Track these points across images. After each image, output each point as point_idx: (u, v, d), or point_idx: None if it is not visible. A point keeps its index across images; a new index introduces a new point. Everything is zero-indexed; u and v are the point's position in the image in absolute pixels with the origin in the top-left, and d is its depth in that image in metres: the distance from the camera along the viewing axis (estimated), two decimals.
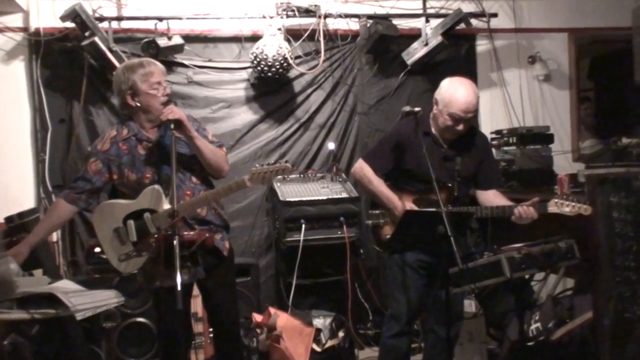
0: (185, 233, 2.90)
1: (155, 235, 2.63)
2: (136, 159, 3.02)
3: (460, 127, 3.31)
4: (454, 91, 3.30)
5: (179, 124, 2.90)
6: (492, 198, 3.45)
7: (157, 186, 2.94)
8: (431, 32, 4.94)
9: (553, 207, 3.20)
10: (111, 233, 3.04)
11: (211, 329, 3.50)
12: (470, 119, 3.35)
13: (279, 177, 4.63)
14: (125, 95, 3.03)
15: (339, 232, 4.37)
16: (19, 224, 3.83)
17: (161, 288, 2.87)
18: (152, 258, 2.84)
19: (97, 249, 4.25)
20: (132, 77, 3.00)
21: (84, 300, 2.98)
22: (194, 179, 3.07)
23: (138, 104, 3.02)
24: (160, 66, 3.06)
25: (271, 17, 4.75)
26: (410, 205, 3.34)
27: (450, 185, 3.36)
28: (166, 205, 2.91)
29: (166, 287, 2.78)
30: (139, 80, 2.99)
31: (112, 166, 3.04)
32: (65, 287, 3.16)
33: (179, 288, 2.46)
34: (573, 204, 3.15)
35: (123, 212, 3.00)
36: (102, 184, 3.07)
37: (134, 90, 3.00)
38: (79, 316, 2.93)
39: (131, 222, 2.98)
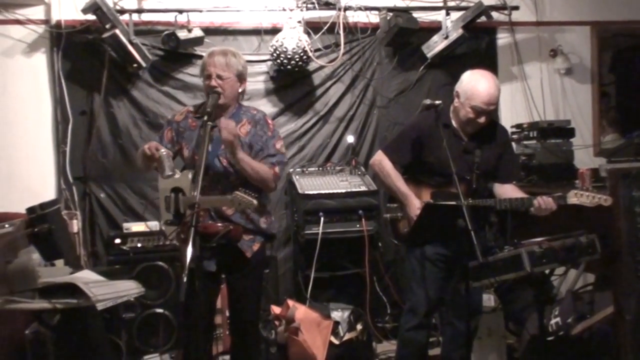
0: (211, 223, 2.97)
1: (186, 222, 2.69)
2: (194, 137, 3.14)
3: (482, 119, 3.30)
4: (475, 83, 3.28)
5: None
6: (509, 192, 3.43)
7: (189, 173, 3.04)
8: (451, 25, 4.90)
9: (573, 198, 3.19)
10: (164, 198, 3.16)
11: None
12: (491, 111, 3.33)
13: (297, 170, 4.69)
14: None
15: (358, 225, 4.37)
16: (41, 214, 3.84)
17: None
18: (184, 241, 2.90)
19: (117, 240, 4.30)
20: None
21: (104, 290, 3.02)
22: (233, 180, 3.09)
23: None
24: (216, 59, 3.11)
25: (291, 10, 4.74)
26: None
27: (468, 178, 3.35)
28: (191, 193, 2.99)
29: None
30: (201, 69, 3.19)
31: (179, 136, 3.20)
32: (86, 278, 3.20)
33: (184, 279, 2.49)
34: (593, 194, 3.14)
35: (172, 183, 3.11)
36: (175, 152, 3.19)
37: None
38: (99, 306, 2.97)
39: (172, 195, 3.08)
